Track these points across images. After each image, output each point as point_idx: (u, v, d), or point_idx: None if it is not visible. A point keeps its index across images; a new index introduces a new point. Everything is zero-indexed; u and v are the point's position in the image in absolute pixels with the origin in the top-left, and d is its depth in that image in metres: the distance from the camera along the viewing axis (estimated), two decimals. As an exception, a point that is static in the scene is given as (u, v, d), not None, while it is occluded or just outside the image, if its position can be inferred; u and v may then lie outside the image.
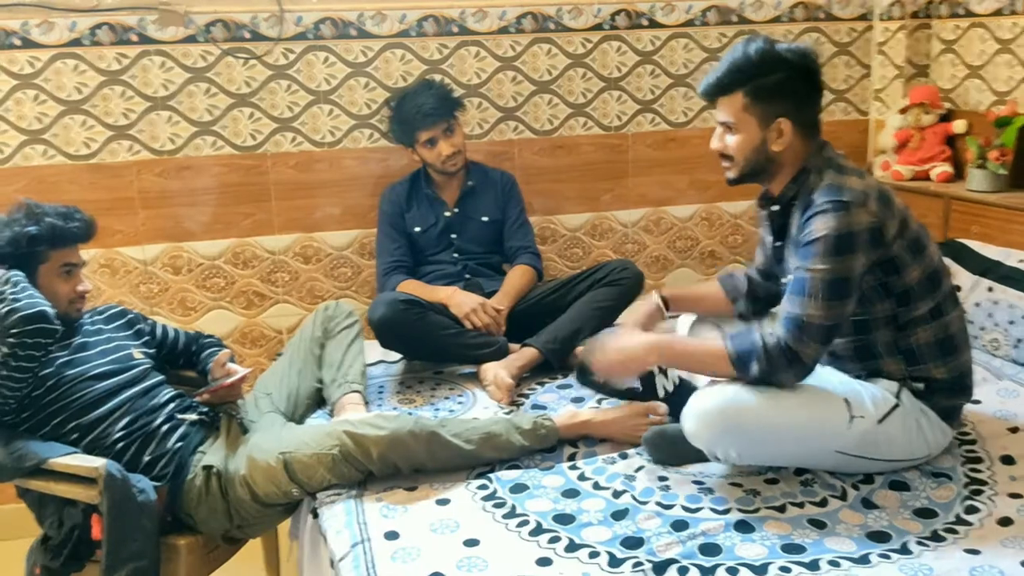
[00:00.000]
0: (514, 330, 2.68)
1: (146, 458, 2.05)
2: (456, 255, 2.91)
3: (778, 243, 2.04)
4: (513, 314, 2.73)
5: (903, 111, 3.21)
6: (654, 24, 3.20)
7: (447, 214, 2.91)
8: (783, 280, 2.00)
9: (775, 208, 2.00)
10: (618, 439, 2.13)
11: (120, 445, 2.03)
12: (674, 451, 2.01)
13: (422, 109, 2.79)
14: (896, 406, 1.87)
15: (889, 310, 1.89)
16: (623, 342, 1.96)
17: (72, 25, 2.77)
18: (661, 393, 2.23)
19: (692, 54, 3.25)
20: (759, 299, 2.23)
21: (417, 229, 2.91)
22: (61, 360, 2.06)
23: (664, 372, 2.29)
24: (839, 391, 1.88)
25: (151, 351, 2.27)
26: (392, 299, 2.57)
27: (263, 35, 2.90)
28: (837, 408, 1.85)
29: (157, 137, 2.89)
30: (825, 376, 1.95)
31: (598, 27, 3.16)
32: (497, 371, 2.48)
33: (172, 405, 2.16)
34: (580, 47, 3.16)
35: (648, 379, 2.26)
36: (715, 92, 1.95)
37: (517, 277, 2.83)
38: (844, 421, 1.84)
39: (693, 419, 1.89)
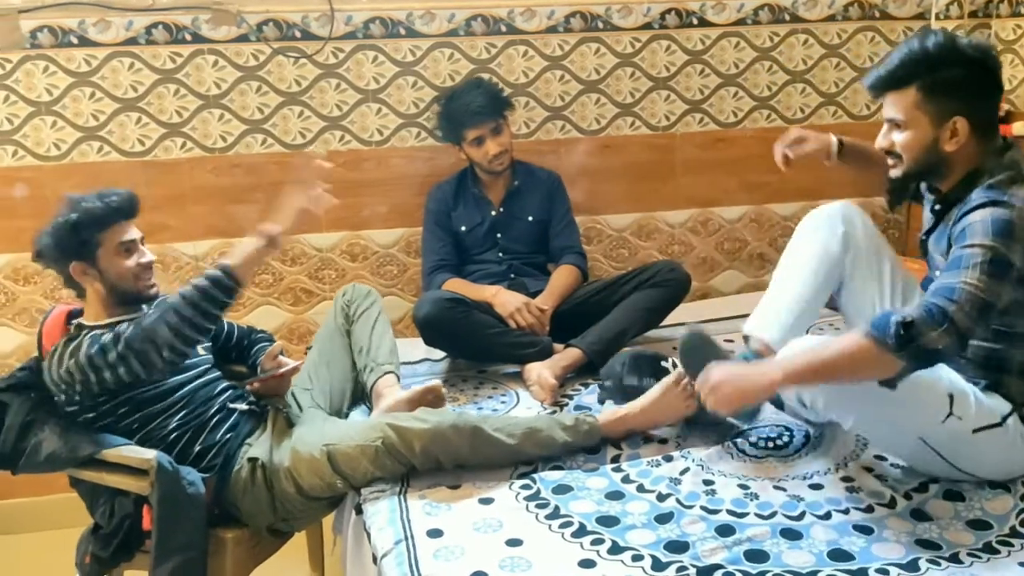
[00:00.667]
0: (558, 330, 2.67)
1: (196, 448, 2.08)
2: (501, 255, 2.91)
3: (924, 237, 1.93)
4: (557, 314, 2.72)
5: (960, 112, 3.14)
6: (704, 23, 3.16)
7: (493, 213, 2.92)
8: (932, 273, 1.92)
9: (937, 208, 1.88)
10: (662, 422, 2.11)
11: (173, 436, 2.07)
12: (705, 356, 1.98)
13: (470, 107, 2.79)
14: (996, 425, 1.78)
15: None
16: (738, 373, 1.76)
17: (128, 24, 2.82)
18: None
19: (743, 53, 3.21)
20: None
21: (463, 228, 2.91)
22: None
23: (675, 365, 2.24)
24: (947, 385, 1.78)
25: (207, 343, 2.31)
26: (437, 297, 2.58)
27: (313, 34, 2.93)
28: (939, 398, 1.76)
29: (209, 135, 2.94)
30: (941, 368, 1.85)
31: (647, 26, 3.13)
32: (541, 371, 2.47)
33: (225, 395, 2.20)
34: (629, 46, 3.14)
35: (659, 370, 2.23)
36: (885, 86, 1.82)
37: (562, 277, 2.83)
38: (941, 414, 1.75)
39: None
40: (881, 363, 1.63)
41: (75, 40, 2.80)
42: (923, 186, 2.00)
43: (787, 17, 3.21)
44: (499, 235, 2.92)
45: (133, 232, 2.11)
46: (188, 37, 2.86)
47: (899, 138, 1.84)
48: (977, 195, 1.75)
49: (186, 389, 2.13)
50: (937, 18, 3.25)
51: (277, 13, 2.90)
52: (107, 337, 1.97)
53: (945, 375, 1.82)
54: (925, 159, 1.83)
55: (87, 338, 1.99)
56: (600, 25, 3.10)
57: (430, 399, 2.24)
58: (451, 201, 2.93)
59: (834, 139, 2.18)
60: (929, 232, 1.94)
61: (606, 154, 3.20)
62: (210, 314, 1.99)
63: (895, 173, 1.89)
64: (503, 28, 3.04)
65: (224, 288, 1.98)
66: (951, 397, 1.77)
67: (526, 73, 3.09)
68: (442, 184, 2.97)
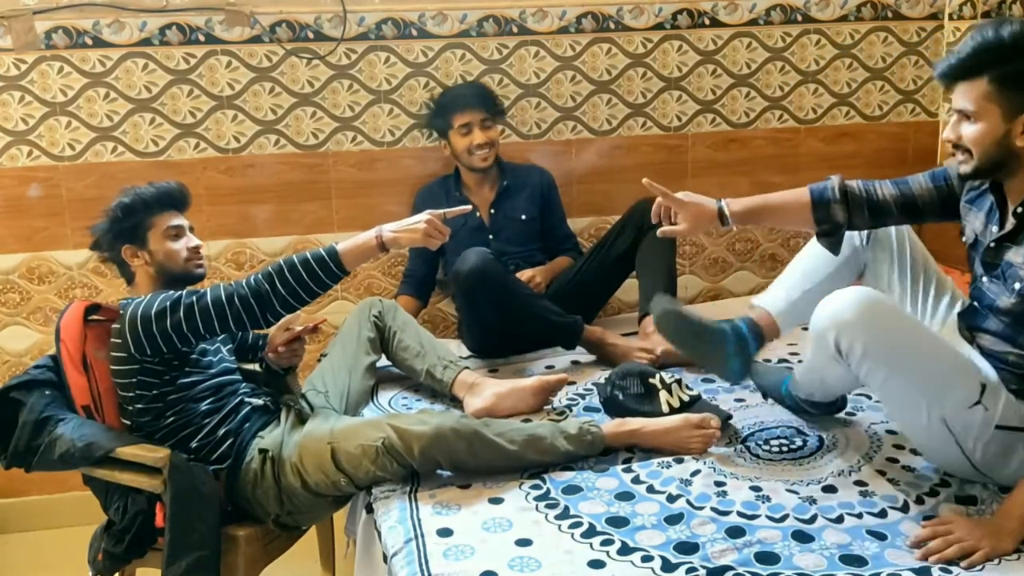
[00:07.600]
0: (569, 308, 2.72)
1: (221, 432, 2.12)
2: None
3: (999, 242, 1.82)
4: (562, 294, 2.79)
5: (974, 113, 3.12)
6: (716, 23, 3.16)
7: (478, 214, 2.93)
8: (980, 280, 1.88)
9: (1020, 210, 1.78)
10: (668, 450, 2.09)
11: (203, 418, 2.11)
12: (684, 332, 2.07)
13: (464, 94, 2.87)
14: (1021, 429, 1.76)
15: None
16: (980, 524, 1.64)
17: (142, 25, 2.84)
18: (665, 409, 2.20)
19: (755, 54, 3.21)
20: (863, 210, 2.01)
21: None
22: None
23: (668, 388, 2.24)
24: (983, 375, 1.77)
25: (229, 346, 2.35)
26: (481, 252, 2.61)
27: (326, 35, 2.94)
28: (972, 383, 1.75)
29: (222, 135, 2.95)
30: (979, 359, 1.84)
31: (659, 26, 3.13)
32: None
33: (243, 391, 2.24)
34: (640, 47, 3.14)
35: (654, 392, 2.24)
36: (955, 75, 1.74)
37: (561, 261, 2.97)
38: (970, 399, 1.74)
39: (839, 298, 1.79)
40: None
41: (89, 41, 2.82)
42: (965, 192, 1.94)
43: (799, 17, 3.20)
44: (490, 237, 2.93)
45: (182, 219, 2.24)
46: (201, 38, 2.88)
47: (968, 131, 1.76)
48: None
49: (214, 381, 2.18)
50: (951, 18, 3.23)
51: (290, 14, 2.91)
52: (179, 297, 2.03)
53: (984, 367, 1.81)
54: (996, 154, 1.74)
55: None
56: (611, 25, 3.10)
57: (556, 387, 2.33)
58: (432, 206, 2.94)
59: (719, 206, 2.04)
60: (1006, 238, 1.83)
61: (617, 155, 3.20)
62: (308, 291, 2.01)
63: (965, 169, 1.80)
64: (515, 29, 3.05)
65: (328, 271, 2.03)
66: (983, 387, 1.76)
67: (537, 74, 3.10)
68: (422, 190, 3.00)
